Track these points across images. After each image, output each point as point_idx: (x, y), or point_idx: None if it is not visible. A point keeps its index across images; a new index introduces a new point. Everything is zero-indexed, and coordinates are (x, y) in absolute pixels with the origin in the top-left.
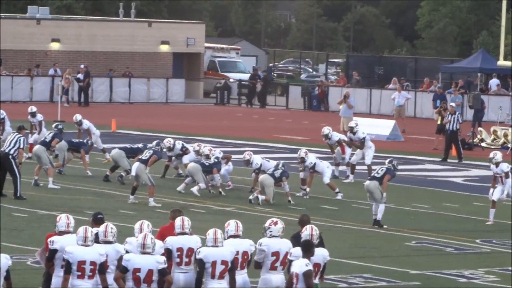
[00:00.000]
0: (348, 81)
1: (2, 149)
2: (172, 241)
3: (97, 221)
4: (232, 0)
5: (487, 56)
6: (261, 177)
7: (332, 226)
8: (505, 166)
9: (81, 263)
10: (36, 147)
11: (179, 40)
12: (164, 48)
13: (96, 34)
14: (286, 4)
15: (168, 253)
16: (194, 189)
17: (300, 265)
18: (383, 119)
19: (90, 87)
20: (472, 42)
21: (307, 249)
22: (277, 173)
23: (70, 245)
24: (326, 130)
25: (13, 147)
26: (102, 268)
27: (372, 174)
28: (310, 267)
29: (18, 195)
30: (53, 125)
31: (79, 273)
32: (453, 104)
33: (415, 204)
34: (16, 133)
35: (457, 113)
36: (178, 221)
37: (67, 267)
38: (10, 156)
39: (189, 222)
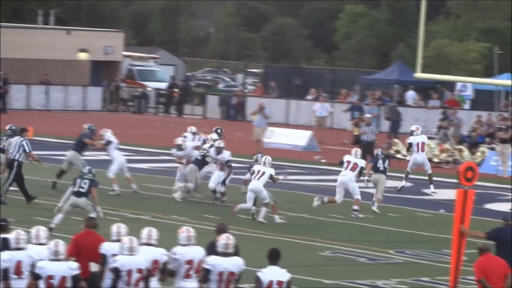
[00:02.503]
0: (266, 91)
1: (9, 156)
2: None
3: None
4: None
5: (404, 68)
6: (373, 176)
7: (248, 235)
8: None
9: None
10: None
11: (98, 48)
12: (83, 56)
13: (15, 41)
14: (205, 14)
15: (103, 258)
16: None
17: (282, 273)
18: (300, 129)
19: (7, 94)
20: (390, 54)
21: (278, 256)
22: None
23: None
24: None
25: (17, 152)
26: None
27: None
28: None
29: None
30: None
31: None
32: (369, 115)
33: (330, 214)
34: (19, 137)
35: (373, 124)
36: (144, 231)
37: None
38: (16, 163)
39: (156, 233)
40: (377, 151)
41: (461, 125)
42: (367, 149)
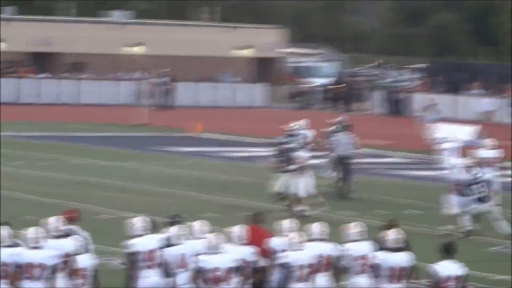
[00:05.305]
0: (432, 86)
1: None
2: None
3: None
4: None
5: None
6: None
7: (417, 230)
8: None
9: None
10: None
11: (262, 45)
12: (247, 52)
13: (179, 39)
14: (366, 10)
15: (272, 253)
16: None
17: (458, 268)
18: (466, 124)
19: (174, 91)
20: None
21: (454, 249)
22: None
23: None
24: None
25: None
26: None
27: None
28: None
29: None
30: None
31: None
32: None
33: None
34: (344, 132)
35: None
36: (316, 226)
37: None
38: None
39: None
40: None
41: None
42: None
